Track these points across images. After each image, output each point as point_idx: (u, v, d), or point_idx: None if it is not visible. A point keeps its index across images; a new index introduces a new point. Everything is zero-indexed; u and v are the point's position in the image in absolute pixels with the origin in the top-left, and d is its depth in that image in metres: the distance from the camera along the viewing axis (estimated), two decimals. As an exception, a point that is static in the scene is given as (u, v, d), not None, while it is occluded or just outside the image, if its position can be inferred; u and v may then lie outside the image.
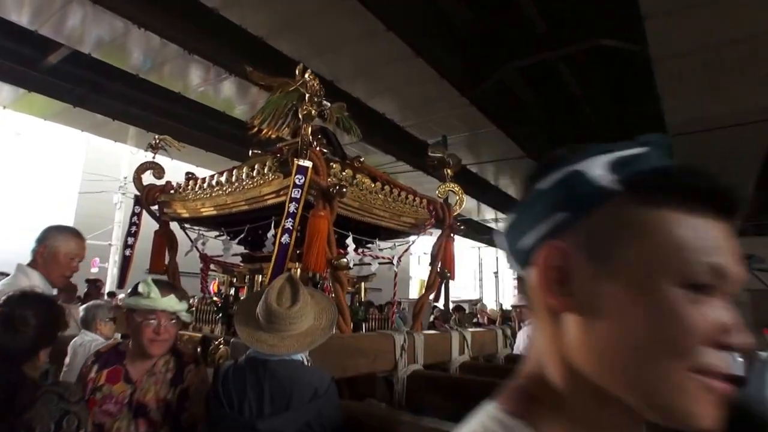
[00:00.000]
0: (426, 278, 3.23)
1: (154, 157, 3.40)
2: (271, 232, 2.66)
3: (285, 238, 2.30)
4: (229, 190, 2.77)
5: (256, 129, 3.06)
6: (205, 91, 9.18)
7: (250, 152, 3.45)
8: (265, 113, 2.86)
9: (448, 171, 3.74)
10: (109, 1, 6.34)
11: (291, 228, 2.36)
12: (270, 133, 3.10)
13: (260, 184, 2.56)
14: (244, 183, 2.66)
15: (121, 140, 12.08)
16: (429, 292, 3.40)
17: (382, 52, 7.54)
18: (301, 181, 2.38)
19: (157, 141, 3.34)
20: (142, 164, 3.34)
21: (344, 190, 2.47)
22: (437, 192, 3.71)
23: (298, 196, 2.38)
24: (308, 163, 2.41)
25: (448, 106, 9.29)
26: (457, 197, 3.73)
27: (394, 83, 8.48)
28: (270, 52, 7.57)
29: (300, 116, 2.48)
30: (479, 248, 29.75)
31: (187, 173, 3.46)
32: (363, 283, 3.40)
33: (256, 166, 2.73)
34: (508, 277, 40.75)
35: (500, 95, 9.02)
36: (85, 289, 6.44)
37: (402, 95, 9.11)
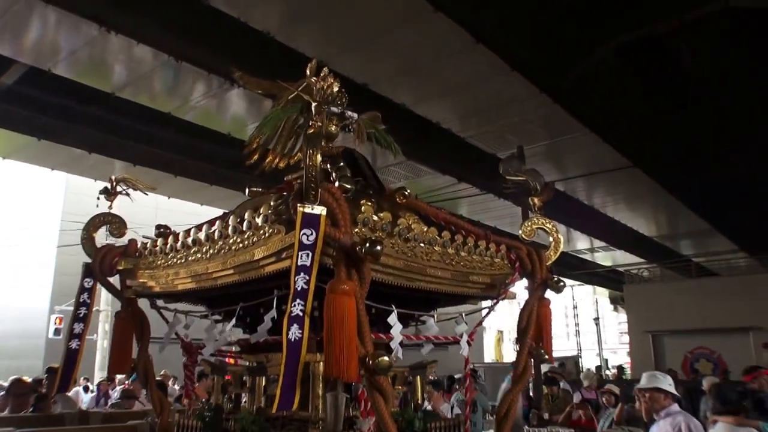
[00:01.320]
0: (510, 335, 3.09)
1: (110, 207, 3.21)
2: (273, 314, 2.48)
3: (294, 333, 2.02)
4: (211, 251, 2.63)
5: (254, 155, 2.98)
6: (205, 108, 9.29)
7: (247, 190, 3.34)
8: (263, 131, 2.86)
9: (535, 201, 3.43)
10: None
11: (302, 314, 2.07)
12: (276, 160, 3.05)
13: (252, 242, 2.41)
14: (231, 241, 2.52)
15: (104, 177, 12.24)
16: (519, 385, 3.08)
17: (431, 41, 7.49)
18: (311, 238, 2.11)
19: (115, 184, 3.18)
20: (93, 219, 3.14)
21: (379, 247, 2.20)
22: (521, 232, 3.41)
23: (309, 263, 2.11)
24: (319, 210, 2.17)
25: (522, 108, 9.23)
26: (551, 237, 3.45)
27: (450, 81, 8.47)
28: (283, 51, 7.47)
29: (304, 136, 2.37)
30: (572, 287, 29.26)
31: (159, 227, 3.24)
32: (419, 377, 3.14)
33: (246, 216, 2.48)
34: (613, 324, 39.69)
35: (592, 89, 8.63)
36: (45, 379, 6.27)
37: (460, 97, 9.15)
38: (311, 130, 2.27)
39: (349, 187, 2.50)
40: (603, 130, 10.00)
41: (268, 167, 3.18)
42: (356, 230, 2.37)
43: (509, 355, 33.18)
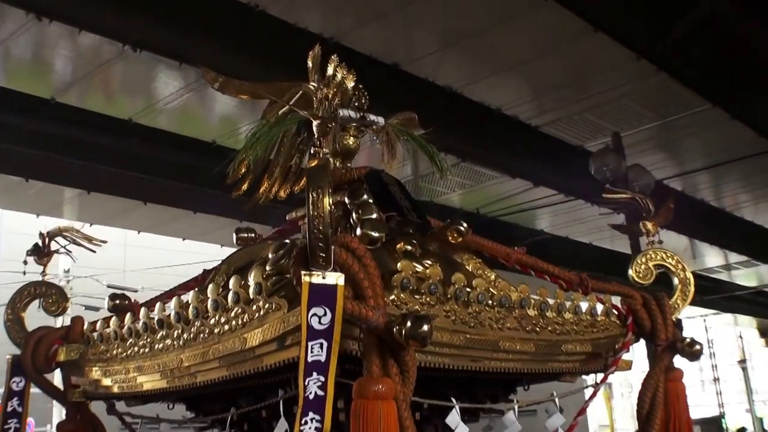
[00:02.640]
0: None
1: (44, 274, 3.25)
2: (284, 425, 2.53)
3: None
4: (185, 336, 2.64)
5: (242, 184, 3.16)
6: (179, 110, 9.49)
7: (235, 236, 3.47)
8: (252, 152, 3.00)
9: (648, 226, 3.48)
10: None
11: (320, 427, 2.07)
12: (275, 188, 3.23)
13: (242, 323, 2.41)
14: (212, 322, 2.53)
15: (51, 212, 12.45)
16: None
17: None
18: (325, 320, 2.09)
19: (48, 240, 3.22)
20: (20, 291, 3.18)
21: (427, 326, 2.15)
22: (632, 273, 3.44)
23: (324, 358, 2.08)
24: (334, 278, 2.14)
25: (614, 80, 9.26)
26: (676, 277, 3.49)
27: (514, 52, 8.65)
28: (275, 28, 7.53)
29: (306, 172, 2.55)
30: (704, 318, 28.96)
31: (113, 298, 3.29)
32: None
33: (231, 284, 2.49)
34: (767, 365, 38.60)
35: (708, 46, 8.52)
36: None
37: (529, 73, 9.25)
38: (314, 163, 2.24)
39: (377, 235, 2.50)
40: (730, 101, 9.88)
41: (264, 199, 3.31)
42: (392, 298, 2.37)
43: (624, 418, 32.79)
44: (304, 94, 2.81)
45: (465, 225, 3.12)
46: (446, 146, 9.82)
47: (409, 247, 2.84)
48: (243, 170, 3.13)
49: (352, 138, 3.10)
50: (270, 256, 2.75)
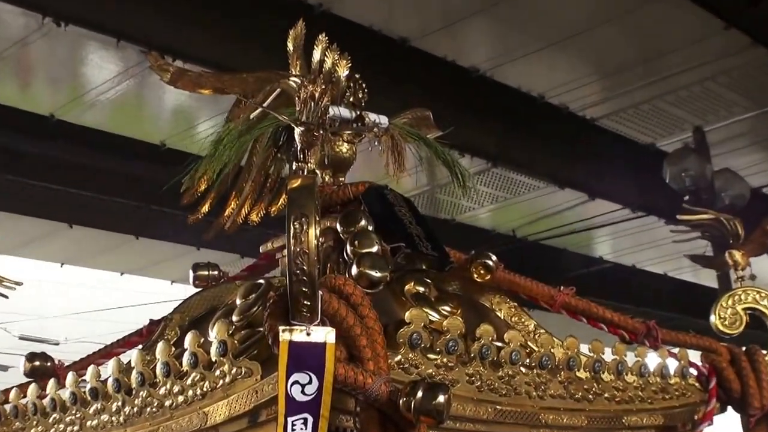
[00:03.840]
0: None
1: None
2: None
3: None
4: (127, 409, 2.65)
5: (201, 206, 3.33)
6: (116, 103, 9.56)
7: (192, 274, 3.50)
8: (214, 165, 3.15)
9: (736, 256, 3.50)
10: None
11: None
12: (245, 211, 3.34)
13: (201, 393, 2.44)
14: (163, 392, 2.55)
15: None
16: None
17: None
18: (310, 390, 2.12)
19: None
20: None
21: (444, 398, 2.17)
22: (715, 320, 3.49)
23: None
24: (322, 334, 2.17)
25: (694, 57, 9.28)
26: None
27: (561, 20, 8.71)
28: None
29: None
30: None
31: (31, 359, 3.35)
32: None
33: (186, 341, 2.51)
34: None
35: None
36: None
37: (582, 49, 9.32)
38: (296, 183, 2.27)
39: (378, 275, 2.52)
40: None
41: (231, 224, 3.40)
42: (398, 359, 2.40)
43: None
44: (283, 92, 2.89)
45: (494, 258, 3.16)
46: (472, 147, 10.00)
47: (421, 289, 2.88)
48: (203, 186, 3.20)
49: (346, 144, 3.15)
50: (238, 302, 2.78)
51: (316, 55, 3.20)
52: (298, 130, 2.49)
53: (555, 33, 8.94)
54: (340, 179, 3.21)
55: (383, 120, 3.20)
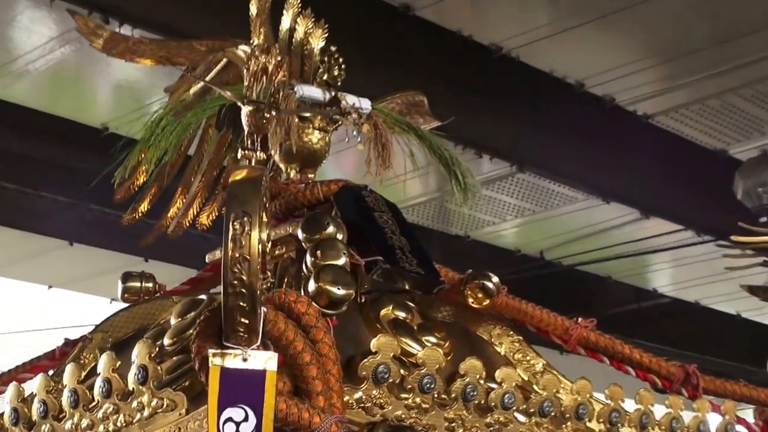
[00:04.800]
0: None
1: None
2: None
3: None
4: None
5: (139, 205, 3.44)
6: (49, 73, 9.49)
7: (121, 286, 3.52)
8: (152, 154, 3.22)
9: None
10: None
11: None
12: (194, 211, 3.45)
13: (114, 428, 2.51)
14: (68, 426, 2.64)
15: None
16: None
17: None
18: (247, 428, 2.15)
19: None
20: None
21: None
22: None
23: None
24: (261, 360, 2.18)
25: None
26: None
27: None
28: None
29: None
30: None
31: None
32: None
33: (100, 365, 2.54)
34: None
35: None
36: None
37: (630, 26, 9.28)
38: (238, 175, 2.30)
39: (340, 293, 2.53)
40: None
41: (174, 228, 3.53)
42: (357, 396, 2.44)
43: None
44: (230, 64, 2.91)
45: (495, 280, 3.17)
46: (491, 146, 10.08)
47: (401, 315, 2.94)
48: (140, 181, 3.30)
49: (317, 133, 3.20)
50: (173, 321, 2.81)
51: (285, 21, 3.24)
52: (244, 110, 2.51)
53: (599, 5, 8.83)
54: (309, 176, 3.25)
55: (364, 104, 3.24)
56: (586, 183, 11.14)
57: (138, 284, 3.44)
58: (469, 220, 12.15)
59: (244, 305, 2.17)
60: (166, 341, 2.70)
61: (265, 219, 2.28)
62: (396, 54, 8.39)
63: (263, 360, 2.18)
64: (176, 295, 3.35)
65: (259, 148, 2.51)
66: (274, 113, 2.56)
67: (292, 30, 3.23)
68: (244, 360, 2.17)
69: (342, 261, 2.75)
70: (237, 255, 2.16)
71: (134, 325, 3.21)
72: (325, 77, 3.26)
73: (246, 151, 2.48)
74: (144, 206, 3.48)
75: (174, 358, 2.60)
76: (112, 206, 9.55)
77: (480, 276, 3.18)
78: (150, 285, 3.44)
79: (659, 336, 13.16)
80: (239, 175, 2.32)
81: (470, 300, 3.17)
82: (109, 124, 10.07)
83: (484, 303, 3.17)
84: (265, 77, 2.52)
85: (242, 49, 2.96)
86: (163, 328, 2.87)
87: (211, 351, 2.18)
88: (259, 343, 2.20)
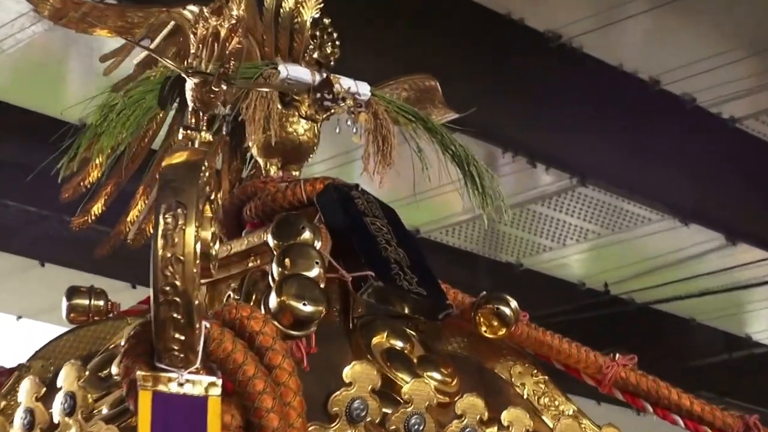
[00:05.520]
0: None
1: None
2: None
3: None
4: None
5: (91, 206, 3.57)
6: (18, 57, 9.58)
7: (66, 304, 3.48)
8: (100, 146, 3.28)
9: None
10: None
11: None
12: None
13: None
14: None
15: None
16: None
17: None
18: None
19: None
20: None
21: None
22: None
23: None
24: (200, 385, 2.18)
25: None
26: None
27: None
28: None
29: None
30: None
31: None
32: None
33: (22, 393, 2.63)
34: None
35: None
36: None
37: (716, 6, 9.28)
38: (175, 159, 2.28)
39: (307, 311, 2.52)
40: None
41: (135, 236, 3.64)
42: None
43: None
44: (179, 28, 2.92)
45: (513, 304, 3.12)
46: (546, 152, 10.06)
47: (398, 344, 2.91)
48: (92, 177, 3.36)
49: (303, 122, 3.20)
50: (122, 344, 2.81)
51: None
52: (189, 83, 2.50)
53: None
54: (294, 173, 3.26)
55: (362, 89, 3.26)
56: (660, 200, 11.12)
57: (86, 302, 3.38)
58: (522, 244, 12.13)
59: (179, 317, 2.13)
60: (114, 369, 2.67)
61: (208, 213, 2.30)
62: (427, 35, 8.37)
63: (204, 386, 2.16)
64: (132, 316, 3.34)
65: (204, 127, 2.51)
66: (224, 86, 2.55)
67: (279, -1, 3.21)
68: (180, 385, 2.15)
69: (314, 272, 2.73)
70: (168, 255, 2.12)
71: (80, 351, 3.19)
72: (315, 55, 3.27)
73: (188, 131, 2.48)
74: (97, 208, 3.53)
75: (112, 386, 2.62)
76: (101, 221, 9.69)
77: (495, 299, 3.14)
78: (101, 303, 3.38)
79: (755, 394, 13.04)
80: (176, 158, 2.30)
81: (483, 329, 3.14)
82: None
83: (500, 333, 3.14)
84: (216, 44, 2.52)
85: (190, 10, 2.95)
86: (112, 354, 2.85)
87: (140, 373, 2.16)
88: (198, 365, 2.18)
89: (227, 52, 2.55)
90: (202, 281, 2.29)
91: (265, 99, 3.14)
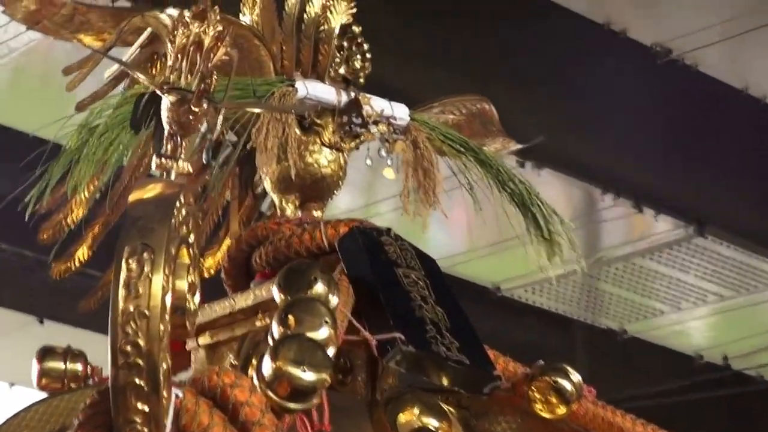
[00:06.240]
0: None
1: None
2: None
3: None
4: None
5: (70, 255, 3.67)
6: (22, 66, 9.67)
7: (37, 368, 3.57)
8: (76, 179, 3.32)
9: None
10: None
11: None
12: None
13: None
14: None
15: None
16: None
17: None
18: None
19: None
20: None
21: None
22: None
23: None
24: None
25: None
26: None
27: None
28: None
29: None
30: None
31: None
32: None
33: None
34: None
35: None
36: None
37: None
38: (143, 194, 2.28)
39: (308, 380, 2.51)
40: None
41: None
42: None
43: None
44: (154, 36, 2.91)
45: (576, 378, 3.14)
46: (651, 193, 9.89)
47: (432, 423, 2.87)
48: (77, 213, 3.40)
49: (327, 152, 3.20)
50: (77, 417, 2.84)
51: None
52: (165, 101, 2.49)
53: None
54: (314, 213, 3.26)
55: (399, 112, 3.27)
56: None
57: (61, 365, 3.42)
58: (627, 306, 12.04)
59: (141, 384, 2.14)
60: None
61: (185, 259, 2.30)
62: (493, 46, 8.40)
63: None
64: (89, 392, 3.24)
65: (182, 155, 2.49)
66: (205, 106, 2.53)
67: (303, 1, 3.26)
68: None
69: (322, 332, 2.70)
70: (131, 308, 2.12)
71: (51, 425, 3.20)
72: (342, 70, 3.25)
73: (162, 159, 2.48)
74: (82, 253, 3.58)
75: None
76: (99, 265, 9.73)
77: (552, 370, 3.15)
78: (78, 367, 3.42)
79: None
80: (145, 192, 2.31)
81: (538, 406, 3.13)
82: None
83: (559, 412, 3.13)
84: (198, 54, 2.53)
85: (169, 14, 2.90)
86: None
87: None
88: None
89: (211, 64, 2.56)
90: (180, 341, 2.30)
91: (280, 123, 3.12)
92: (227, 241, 3.62)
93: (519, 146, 3.77)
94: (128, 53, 3.02)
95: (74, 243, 3.65)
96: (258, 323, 3.04)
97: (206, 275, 3.66)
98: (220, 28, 2.63)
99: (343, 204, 9.32)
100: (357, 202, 9.66)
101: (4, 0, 3.43)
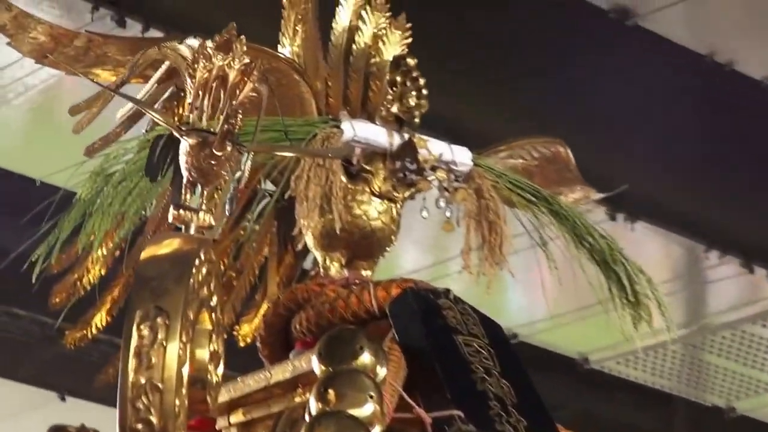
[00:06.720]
0: None
1: None
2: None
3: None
4: None
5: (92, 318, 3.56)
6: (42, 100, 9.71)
7: None
8: (89, 235, 3.29)
9: None
10: None
11: None
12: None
13: None
14: None
15: None
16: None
17: None
18: None
19: None
20: None
21: None
22: None
23: None
24: None
25: None
26: None
27: None
28: None
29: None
30: None
31: None
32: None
33: None
34: None
35: None
36: None
37: None
38: (158, 249, 2.28)
39: None
40: None
41: None
42: None
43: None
44: (173, 70, 2.90)
45: None
46: (757, 246, 9.81)
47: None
48: (92, 273, 3.37)
49: (376, 201, 3.20)
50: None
51: (343, 16, 3.29)
52: (183, 144, 2.49)
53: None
54: (363, 272, 3.25)
55: (460, 156, 3.27)
56: None
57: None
58: (736, 380, 11.99)
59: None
60: None
61: (206, 325, 2.29)
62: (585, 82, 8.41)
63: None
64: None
65: (204, 206, 2.49)
66: (229, 149, 2.54)
67: (352, 31, 3.26)
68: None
69: (366, 409, 2.71)
70: (142, 380, 2.13)
71: None
72: (394, 109, 3.21)
73: (180, 211, 2.45)
74: (100, 319, 3.52)
75: None
76: (116, 332, 9.79)
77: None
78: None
79: None
80: (160, 248, 2.32)
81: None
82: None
83: None
84: (222, 91, 2.52)
85: (189, 44, 2.82)
86: None
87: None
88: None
89: (237, 101, 2.54)
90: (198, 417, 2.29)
91: (323, 169, 3.09)
92: (264, 306, 3.58)
93: (601, 195, 3.75)
94: (143, 90, 3.01)
95: (91, 307, 3.57)
96: (297, 399, 3.01)
97: (242, 344, 3.65)
98: (246, 60, 2.60)
99: (408, 263, 9.33)
100: (424, 261, 9.68)
101: (10, 31, 3.38)
